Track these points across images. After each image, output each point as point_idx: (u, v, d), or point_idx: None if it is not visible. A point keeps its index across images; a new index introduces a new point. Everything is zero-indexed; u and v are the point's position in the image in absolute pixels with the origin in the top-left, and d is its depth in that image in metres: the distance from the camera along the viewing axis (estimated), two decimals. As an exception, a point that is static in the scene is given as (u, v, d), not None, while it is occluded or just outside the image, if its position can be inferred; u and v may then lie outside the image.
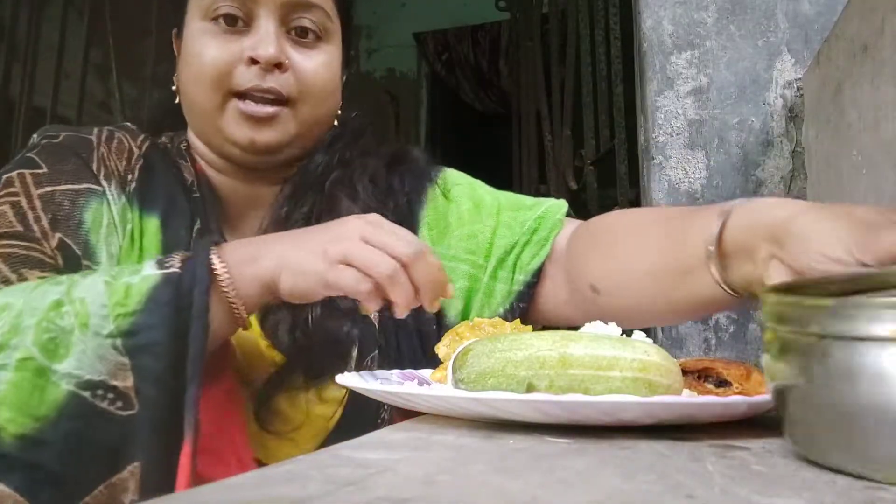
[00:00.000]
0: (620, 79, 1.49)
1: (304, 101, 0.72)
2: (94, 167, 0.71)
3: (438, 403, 0.45)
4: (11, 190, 0.66)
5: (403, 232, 0.59)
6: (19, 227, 0.63)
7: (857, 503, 0.27)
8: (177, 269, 0.56)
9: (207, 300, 0.56)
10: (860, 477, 0.30)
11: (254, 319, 0.69)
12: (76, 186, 0.68)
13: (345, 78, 0.81)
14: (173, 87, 0.78)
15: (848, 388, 0.30)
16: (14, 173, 0.67)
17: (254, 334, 0.69)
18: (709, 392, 0.48)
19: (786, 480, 0.31)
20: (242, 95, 0.70)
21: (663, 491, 0.28)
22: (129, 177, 0.73)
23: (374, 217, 0.60)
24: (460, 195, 0.81)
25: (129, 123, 0.79)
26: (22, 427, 0.50)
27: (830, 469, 0.31)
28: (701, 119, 1.15)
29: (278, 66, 0.70)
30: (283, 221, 0.73)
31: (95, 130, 0.75)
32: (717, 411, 0.43)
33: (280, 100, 0.71)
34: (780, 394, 0.34)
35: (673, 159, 1.15)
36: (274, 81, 0.70)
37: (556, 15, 2.16)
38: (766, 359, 0.36)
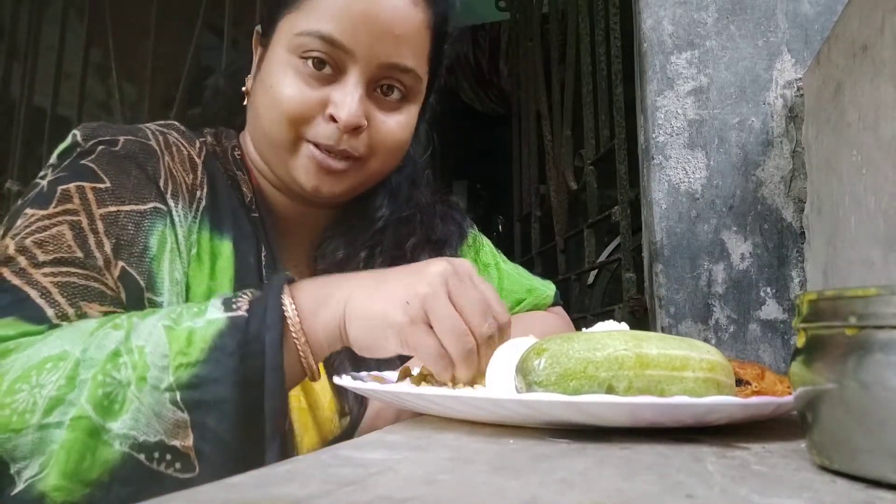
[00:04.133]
0: (620, 79, 1.49)
1: (374, 158, 0.71)
2: (161, 182, 0.64)
3: (493, 408, 0.42)
4: (70, 207, 0.58)
5: (491, 292, 0.54)
6: (79, 254, 0.56)
7: (856, 503, 0.27)
8: (244, 313, 0.51)
9: (282, 352, 0.50)
10: (890, 486, 0.28)
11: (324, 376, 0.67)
12: (141, 207, 0.61)
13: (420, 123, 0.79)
14: (244, 88, 0.75)
15: (887, 381, 0.28)
16: (72, 185, 0.59)
17: (325, 397, 0.67)
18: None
19: (786, 480, 0.31)
20: (316, 143, 0.68)
21: (663, 491, 0.28)
22: (199, 193, 0.67)
23: (463, 265, 0.55)
24: (487, 260, 0.90)
25: (175, 122, 0.74)
26: (70, 494, 0.45)
27: (862, 479, 0.29)
28: (701, 119, 1.15)
29: (356, 129, 0.67)
30: (338, 264, 0.73)
31: (150, 133, 0.68)
32: (770, 410, 0.43)
33: (351, 156, 0.69)
34: (808, 399, 0.32)
35: (673, 159, 1.15)
36: (346, 144, 0.68)
37: (556, 15, 2.16)
38: (794, 365, 0.34)
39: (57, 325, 0.52)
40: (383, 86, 0.70)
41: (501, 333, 0.53)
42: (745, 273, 1.11)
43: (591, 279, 2.00)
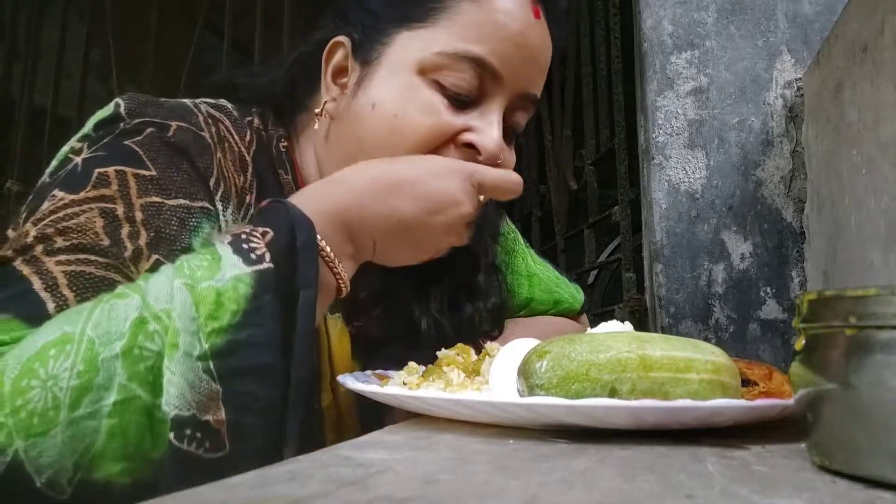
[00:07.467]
0: (620, 79, 1.49)
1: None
2: (213, 182, 0.57)
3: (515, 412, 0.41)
4: (106, 192, 0.51)
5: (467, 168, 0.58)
6: (105, 242, 0.49)
7: (856, 503, 0.27)
8: (269, 264, 0.45)
9: (314, 315, 0.47)
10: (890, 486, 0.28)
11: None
12: (190, 204, 0.54)
13: None
14: (316, 111, 0.64)
15: (888, 382, 0.28)
16: (111, 169, 0.52)
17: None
18: None
19: (786, 481, 0.31)
20: None
21: (663, 491, 0.28)
22: (248, 198, 0.61)
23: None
24: (520, 270, 0.86)
25: (224, 102, 0.65)
26: (135, 473, 0.41)
27: (863, 479, 0.29)
28: (701, 119, 1.15)
29: (496, 160, 0.61)
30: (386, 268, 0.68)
31: (202, 121, 0.60)
32: (775, 413, 0.42)
33: None
34: (809, 401, 0.32)
35: (673, 159, 1.15)
36: None
37: (556, 15, 2.16)
38: (794, 365, 0.34)
39: None
40: (512, 125, 0.65)
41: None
42: (745, 273, 1.11)
43: (591, 279, 2.00)
